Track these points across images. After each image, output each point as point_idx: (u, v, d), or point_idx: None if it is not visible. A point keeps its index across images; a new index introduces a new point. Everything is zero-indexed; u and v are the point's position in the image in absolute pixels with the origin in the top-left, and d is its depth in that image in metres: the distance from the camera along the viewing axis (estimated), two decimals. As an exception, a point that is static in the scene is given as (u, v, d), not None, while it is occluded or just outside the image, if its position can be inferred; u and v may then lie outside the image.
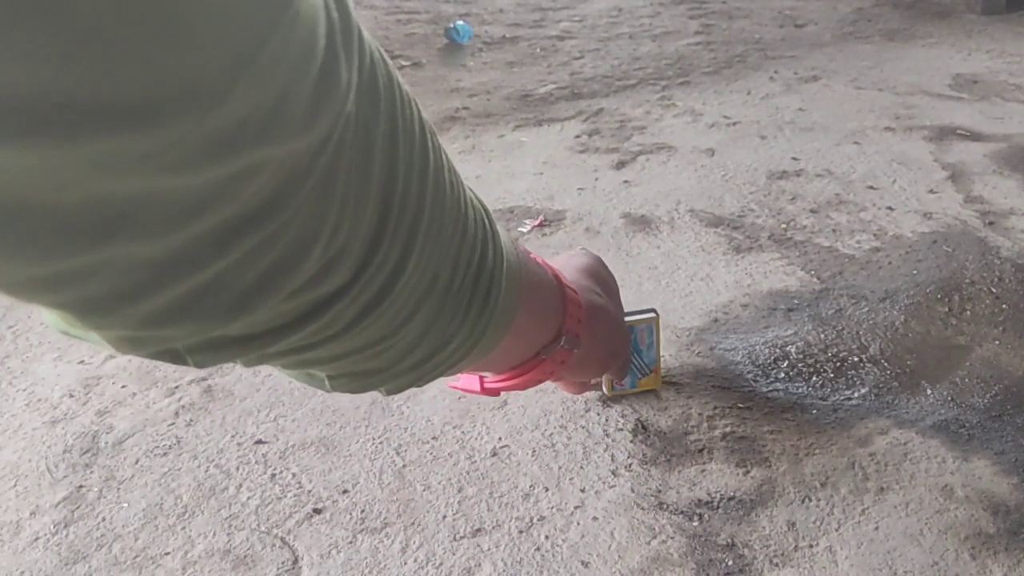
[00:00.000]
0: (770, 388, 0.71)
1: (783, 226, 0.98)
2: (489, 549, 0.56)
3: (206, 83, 0.22)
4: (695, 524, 0.58)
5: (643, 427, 0.66)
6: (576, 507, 0.59)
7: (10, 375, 0.76)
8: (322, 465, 0.64)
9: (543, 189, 1.11)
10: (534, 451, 0.64)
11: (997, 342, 0.76)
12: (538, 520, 0.58)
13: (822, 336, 0.77)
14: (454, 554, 0.56)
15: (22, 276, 0.24)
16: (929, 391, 0.70)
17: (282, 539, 0.57)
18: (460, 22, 1.88)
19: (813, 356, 0.75)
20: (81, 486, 0.63)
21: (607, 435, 0.66)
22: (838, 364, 0.74)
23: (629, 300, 0.72)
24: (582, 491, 0.61)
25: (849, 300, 0.83)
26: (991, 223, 0.97)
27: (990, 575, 0.53)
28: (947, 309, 0.81)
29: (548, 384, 0.63)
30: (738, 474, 0.62)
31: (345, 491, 0.61)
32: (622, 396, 0.69)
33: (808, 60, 1.67)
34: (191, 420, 0.69)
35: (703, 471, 0.62)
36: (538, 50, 1.81)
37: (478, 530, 0.58)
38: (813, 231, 0.97)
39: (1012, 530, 0.56)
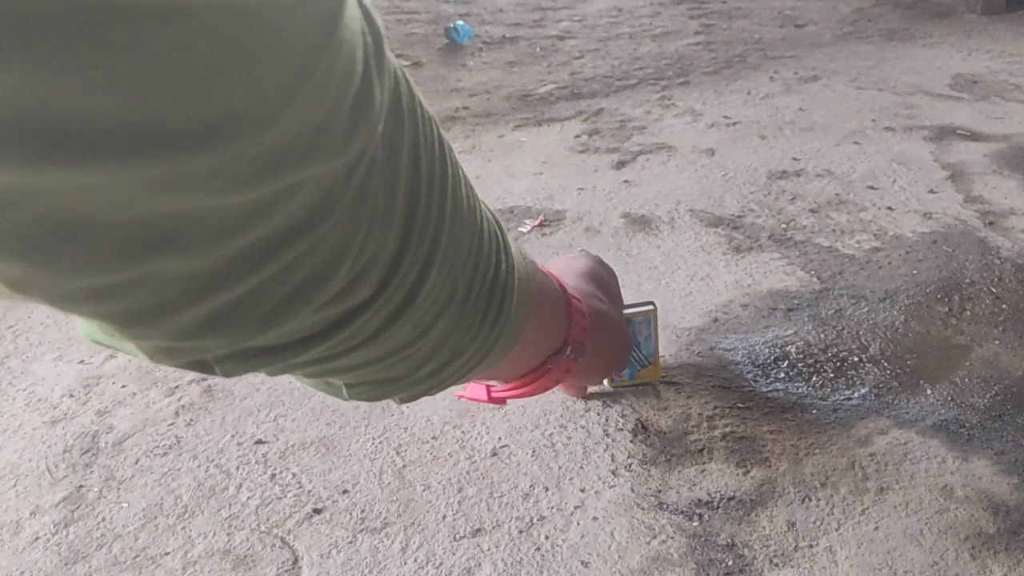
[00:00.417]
0: (770, 388, 0.71)
1: (783, 226, 0.98)
2: (489, 549, 0.56)
3: (260, 108, 0.23)
4: (695, 524, 0.58)
5: (643, 427, 0.66)
6: (576, 507, 0.59)
7: (10, 375, 0.76)
8: (322, 465, 0.64)
9: (543, 189, 1.11)
10: (534, 451, 0.64)
11: (997, 342, 0.76)
12: (538, 520, 0.58)
13: (822, 336, 0.77)
14: (454, 554, 0.56)
15: (70, 288, 0.25)
16: (929, 391, 0.70)
17: (282, 539, 0.57)
18: (460, 22, 1.88)
19: (813, 356, 0.75)
20: (81, 486, 0.63)
21: (607, 435, 0.66)
22: (838, 364, 0.74)
23: (629, 300, 0.72)
24: (582, 491, 0.61)
25: (849, 300, 0.83)
26: (991, 223, 0.97)
27: (990, 575, 0.53)
28: (947, 309, 0.81)
29: (548, 384, 0.63)
30: (738, 474, 0.62)
31: (345, 491, 0.61)
32: (622, 394, 0.69)
33: (808, 60, 1.67)
34: (191, 420, 0.69)
35: (703, 471, 0.62)
36: (538, 50, 1.81)
37: (478, 530, 0.58)
38: (813, 231, 0.97)
39: (1012, 530, 0.56)
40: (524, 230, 1.00)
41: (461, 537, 0.57)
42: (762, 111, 1.38)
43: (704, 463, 0.63)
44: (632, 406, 0.69)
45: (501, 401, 0.64)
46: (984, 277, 0.86)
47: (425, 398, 0.46)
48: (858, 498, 0.59)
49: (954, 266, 0.88)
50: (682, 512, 0.59)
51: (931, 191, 1.06)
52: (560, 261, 0.64)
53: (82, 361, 0.77)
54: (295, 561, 0.56)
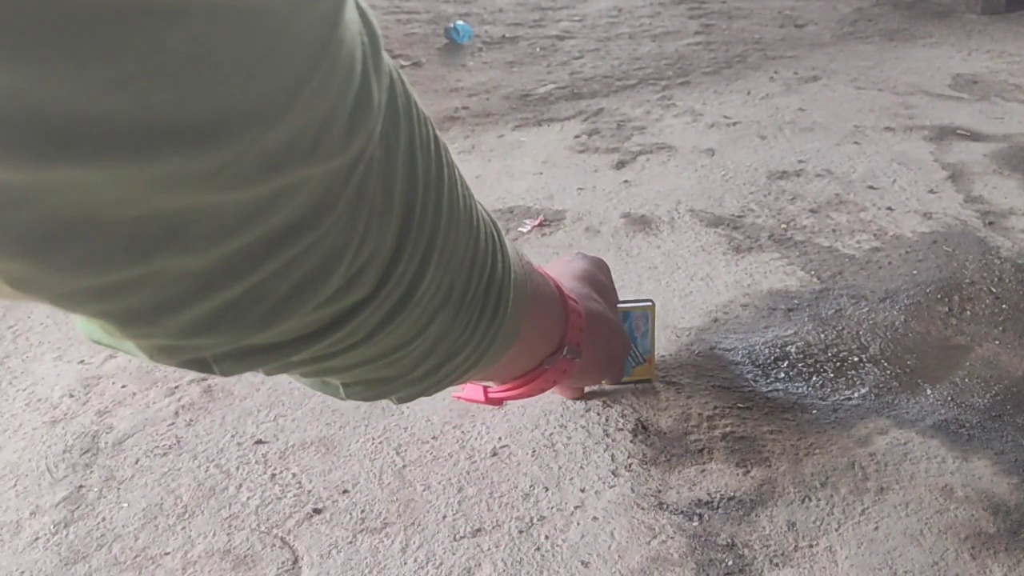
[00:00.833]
0: (770, 388, 0.71)
1: (783, 226, 0.98)
2: (489, 549, 0.56)
3: (265, 106, 0.23)
4: (695, 524, 0.58)
5: (643, 427, 0.66)
6: (576, 507, 0.59)
7: (10, 375, 0.76)
8: (322, 465, 0.64)
9: (543, 189, 1.11)
10: (534, 451, 0.64)
11: (997, 342, 0.76)
12: (538, 520, 0.58)
13: (822, 336, 0.77)
14: (454, 554, 0.56)
15: (73, 287, 0.25)
16: (929, 391, 0.70)
17: (282, 539, 0.57)
18: (460, 22, 1.88)
19: (813, 356, 0.75)
20: (81, 486, 0.63)
21: (607, 435, 0.66)
22: (838, 364, 0.74)
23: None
24: (582, 491, 0.61)
25: (849, 300, 0.83)
26: (991, 223, 0.97)
27: (990, 575, 0.53)
28: (947, 309, 0.81)
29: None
30: (738, 474, 0.62)
31: (345, 491, 0.61)
32: (622, 394, 0.69)
33: (808, 60, 1.67)
34: (191, 420, 0.69)
35: (703, 471, 0.62)
36: (538, 50, 1.81)
37: (478, 530, 0.58)
38: (813, 231, 0.97)
39: (1012, 530, 0.56)
40: (524, 230, 1.00)
41: (461, 537, 0.57)
42: (762, 111, 1.38)
43: (704, 463, 0.63)
44: (632, 406, 0.69)
45: (498, 402, 0.64)
46: (984, 277, 0.86)
47: (425, 398, 0.46)
48: (858, 498, 0.59)
49: (954, 266, 0.88)
50: (682, 512, 0.59)
51: (931, 191, 1.06)
52: (557, 263, 0.65)
53: (82, 361, 0.77)
54: (295, 561, 0.56)
